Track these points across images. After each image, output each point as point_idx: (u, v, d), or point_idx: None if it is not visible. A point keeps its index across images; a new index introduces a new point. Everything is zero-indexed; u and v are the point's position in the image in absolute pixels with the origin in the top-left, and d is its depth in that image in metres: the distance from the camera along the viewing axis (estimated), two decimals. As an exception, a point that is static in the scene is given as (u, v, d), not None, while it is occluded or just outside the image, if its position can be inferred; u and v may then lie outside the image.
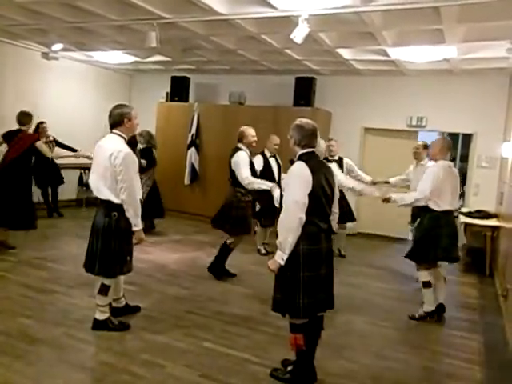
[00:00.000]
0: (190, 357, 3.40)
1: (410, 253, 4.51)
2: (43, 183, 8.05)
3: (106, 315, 3.71)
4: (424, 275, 4.42)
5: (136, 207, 3.50)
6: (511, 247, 4.72)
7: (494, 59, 6.38)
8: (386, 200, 4.48)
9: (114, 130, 3.58)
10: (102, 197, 3.53)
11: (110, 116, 3.59)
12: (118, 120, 3.55)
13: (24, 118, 5.82)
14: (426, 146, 5.73)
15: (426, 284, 4.40)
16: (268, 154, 6.39)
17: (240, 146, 5.12)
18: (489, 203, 7.27)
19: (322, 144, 4.37)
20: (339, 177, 4.26)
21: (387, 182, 6.38)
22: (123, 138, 3.58)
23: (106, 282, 3.62)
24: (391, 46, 6.05)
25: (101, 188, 3.52)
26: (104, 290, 3.62)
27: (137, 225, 3.54)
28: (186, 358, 3.38)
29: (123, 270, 3.67)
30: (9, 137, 5.75)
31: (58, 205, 8.34)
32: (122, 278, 3.96)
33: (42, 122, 7.59)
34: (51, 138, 7.70)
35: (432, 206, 4.27)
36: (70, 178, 8.94)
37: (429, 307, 4.44)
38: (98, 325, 3.69)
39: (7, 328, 3.62)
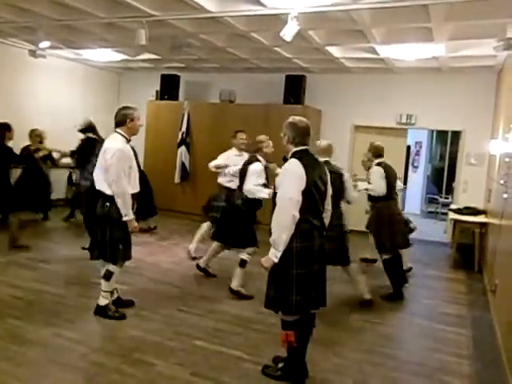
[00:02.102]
0: (182, 355, 3.39)
1: None
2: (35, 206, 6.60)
3: (107, 301, 3.98)
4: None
5: (124, 199, 3.75)
6: (499, 243, 4.78)
7: (482, 57, 6.44)
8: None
9: (117, 129, 3.88)
10: (101, 188, 3.85)
11: (115, 115, 3.91)
12: (121, 120, 3.87)
13: None
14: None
15: None
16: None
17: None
18: (477, 200, 7.35)
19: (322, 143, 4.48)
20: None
21: None
22: (124, 137, 3.86)
23: (111, 268, 3.92)
24: (380, 44, 6.08)
25: (99, 181, 3.86)
26: (108, 276, 3.93)
27: (127, 214, 3.78)
28: (178, 356, 3.37)
29: (126, 255, 3.94)
30: None
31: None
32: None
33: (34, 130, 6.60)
34: (46, 152, 6.45)
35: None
36: (59, 177, 8.84)
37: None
38: (98, 310, 3.96)
39: (-4, 329, 3.59)
